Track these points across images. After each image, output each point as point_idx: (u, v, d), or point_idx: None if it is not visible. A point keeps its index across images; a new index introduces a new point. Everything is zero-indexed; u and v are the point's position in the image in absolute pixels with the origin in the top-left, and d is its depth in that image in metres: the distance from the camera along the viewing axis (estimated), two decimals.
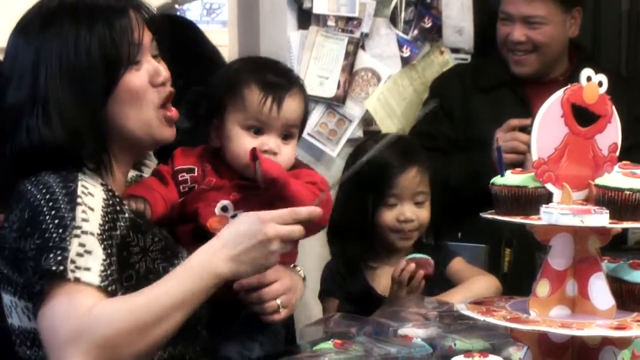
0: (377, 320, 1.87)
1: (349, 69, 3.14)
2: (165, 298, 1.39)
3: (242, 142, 1.81)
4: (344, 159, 2.91)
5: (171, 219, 1.68)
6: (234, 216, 1.75)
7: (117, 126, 1.55)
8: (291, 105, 1.84)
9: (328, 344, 1.74)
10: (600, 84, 1.40)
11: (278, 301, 1.74)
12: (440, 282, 2.35)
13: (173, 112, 1.62)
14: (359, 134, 3.12)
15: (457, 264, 2.45)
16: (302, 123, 1.96)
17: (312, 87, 3.09)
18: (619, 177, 1.35)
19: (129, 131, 1.57)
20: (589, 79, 1.40)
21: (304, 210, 1.51)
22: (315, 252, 2.77)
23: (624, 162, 1.40)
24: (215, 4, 7.06)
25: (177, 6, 7.50)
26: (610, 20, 3.40)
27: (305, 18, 3.16)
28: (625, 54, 3.48)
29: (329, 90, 3.13)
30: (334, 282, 2.51)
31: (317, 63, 3.13)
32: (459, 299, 1.82)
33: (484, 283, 2.35)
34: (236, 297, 1.72)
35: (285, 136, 1.86)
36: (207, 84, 2.07)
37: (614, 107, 1.43)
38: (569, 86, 1.41)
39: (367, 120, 3.15)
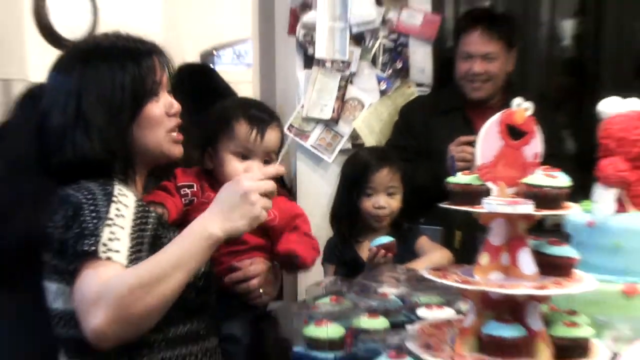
0: (362, 281, 1.87)
1: (341, 99, 3.15)
2: (166, 260, 1.35)
3: (232, 165, 1.79)
4: (338, 164, 3.03)
5: (178, 225, 1.62)
6: None
7: (138, 145, 1.53)
8: (271, 136, 1.82)
9: (326, 299, 1.77)
10: (526, 109, 1.37)
11: (261, 290, 1.74)
12: (409, 254, 2.36)
13: (180, 137, 1.60)
14: (348, 146, 3.15)
15: (422, 241, 2.46)
16: (279, 149, 1.90)
17: (314, 111, 3.15)
18: (540, 178, 1.34)
19: (148, 149, 1.55)
20: (519, 105, 1.38)
21: (272, 169, 1.49)
22: (321, 232, 2.65)
23: (544, 166, 1.37)
24: (243, 50, 7.07)
25: (214, 52, 7.31)
26: (532, 59, 3.37)
27: (309, 61, 3.16)
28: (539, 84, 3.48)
29: (327, 113, 3.14)
30: (332, 253, 2.55)
31: (318, 94, 3.14)
32: (422, 267, 1.81)
33: (440, 255, 2.37)
34: (231, 289, 1.71)
35: (266, 161, 1.82)
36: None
37: (537, 126, 1.39)
38: (504, 110, 1.40)
39: (355, 136, 3.16)
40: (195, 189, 1.78)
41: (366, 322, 1.54)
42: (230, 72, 6.75)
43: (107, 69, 1.51)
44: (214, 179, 1.81)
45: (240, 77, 5.57)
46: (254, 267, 1.73)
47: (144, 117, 1.52)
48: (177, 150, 1.60)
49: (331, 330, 1.48)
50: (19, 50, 4.84)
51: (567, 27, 3.43)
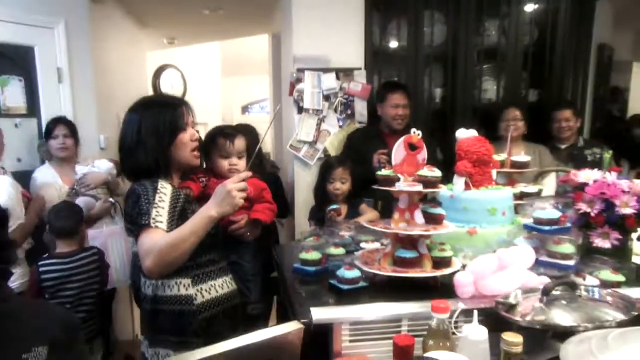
0: (330, 228, 1.88)
1: (318, 130, 3.20)
2: (186, 230, 1.37)
3: (220, 162, 1.78)
4: (317, 166, 3.00)
5: (199, 199, 1.63)
6: None
7: (174, 158, 1.53)
8: (238, 143, 1.79)
9: (310, 239, 1.80)
10: (418, 134, 1.44)
11: (248, 232, 1.73)
12: (356, 214, 2.40)
13: (198, 153, 1.60)
14: (322, 155, 3.15)
15: (362, 207, 2.50)
16: (249, 151, 1.82)
17: (303, 137, 3.21)
18: (425, 171, 1.42)
19: (180, 160, 1.55)
20: (414, 132, 1.44)
21: (243, 175, 1.44)
22: (308, 203, 2.83)
23: (427, 165, 1.44)
24: (264, 104, 7.31)
25: (249, 106, 8.13)
26: (420, 109, 3.46)
27: (300, 110, 3.20)
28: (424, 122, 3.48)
29: (310, 138, 3.20)
30: (313, 214, 2.62)
31: (305, 128, 3.20)
32: (363, 221, 1.78)
33: (373, 215, 2.40)
34: (231, 232, 1.70)
35: (239, 157, 1.79)
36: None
37: (424, 143, 1.46)
38: (406, 135, 1.46)
39: (325, 151, 3.19)
40: (206, 179, 1.74)
41: (333, 250, 1.62)
42: (257, 117, 7.51)
43: (157, 112, 1.52)
44: (213, 172, 1.79)
45: (263, 119, 5.93)
46: (242, 219, 1.71)
47: (178, 141, 1.52)
48: (197, 161, 1.62)
49: (314, 255, 1.55)
50: None
51: (438, 92, 3.48)
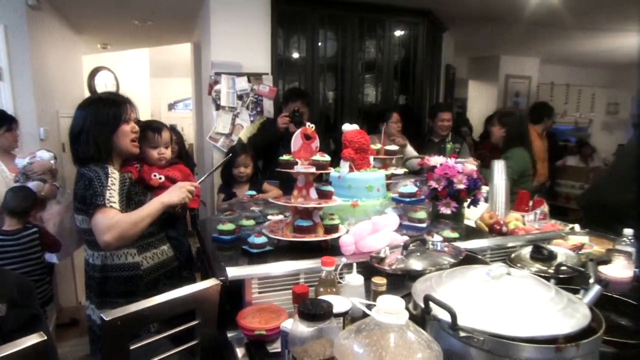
0: (242, 204, 1.88)
1: (233, 124, 3.14)
2: (144, 212, 1.41)
3: (150, 152, 1.72)
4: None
5: (137, 182, 1.61)
6: (160, 178, 1.68)
7: (116, 146, 1.51)
8: (164, 135, 1.73)
9: (227, 212, 1.76)
10: (312, 127, 1.45)
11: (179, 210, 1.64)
12: (260, 192, 2.32)
13: (137, 143, 1.58)
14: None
15: (266, 185, 2.51)
16: (175, 142, 1.83)
17: (221, 130, 3.15)
18: (318, 157, 1.42)
19: (121, 149, 1.52)
20: (309, 125, 1.44)
21: (195, 183, 1.55)
22: (218, 181, 2.72)
23: (320, 152, 1.43)
24: (188, 102, 6.86)
25: (174, 103, 7.57)
26: (315, 110, 3.45)
27: (218, 107, 3.12)
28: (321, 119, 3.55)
29: (226, 130, 3.15)
30: (222, 190, 2.54)
31: (222, 122, 3.13)
32: (269, 197, 1.82)
33: (276, 192, 2.39)
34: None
35: (166, 147, 1.74)
36: None
37: (317, 135, 1.46)
38: (302, 127, 1.46)
39: (239, 141, 3.10)
40: (139, 165, 1.68)
41: (245, 222, 1.59)
42: (182, 113, 7.11)
43: (104, 106, 1.49)
44: (145, 161, 1.72)
45: (187, 115, 5.71)
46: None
47: (120, 131, 1.50)
48: (136, 150, 1.58)
49: (229, 226, 1.51)
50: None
51: (331, 95, 3.52)
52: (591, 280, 0.91)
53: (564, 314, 0.77)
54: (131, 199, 1.48)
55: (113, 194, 1.38)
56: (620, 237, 1.36)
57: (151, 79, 6.19)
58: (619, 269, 1.30)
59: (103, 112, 1.47)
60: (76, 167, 1.51)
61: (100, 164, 1.44)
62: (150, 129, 1.72)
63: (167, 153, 1.75)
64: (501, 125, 2.70)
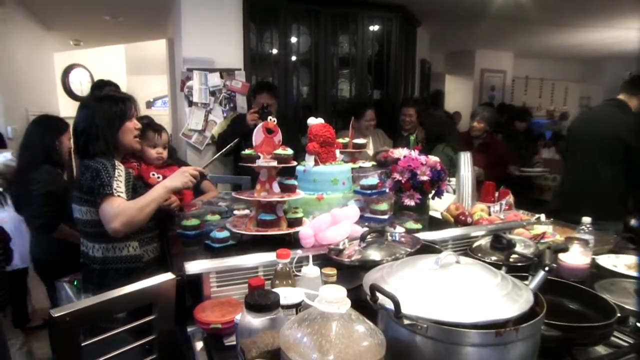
0: (209, 200, 1.86)
1: (206, 120, 3.12)
2: (148, 198, 1.44)
3: (149, 151, 1.79)
4: (205, 152, 3.10)
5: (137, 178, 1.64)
6: (157, 177, 1.75)
7: (120, 141, 1.55)
8: (163, 136, 1.83)
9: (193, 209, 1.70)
10: (274, 121, 1.43)
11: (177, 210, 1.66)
12: (199, 193, 2.12)
13: (139, 140, 1.62)
14: (209, 142, 3.18)
15: (206, 183, 2.21)
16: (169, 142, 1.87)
17: (194, 126, 3.15)
18: (280, 151, 1.40)
19: (125, 144, 1.57)
20: (271, 119, 1.43)
21: (199, 168, 1.58)
22: None
23: (282, 146, 1.42)
24: (164, 100, 6.78)
25: (152, 100, 7.45)
26: (287, 105, 3.44)
27: (191, 104, 3.10)
28: (294, 117, 3.53)
29: (199, 127, 3.13)
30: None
31: (194, 119, 3.11)
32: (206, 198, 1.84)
33: (214, 193, 2.18)
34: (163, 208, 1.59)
35: (164, 147, 1.83)
36: None
37: (279, 129, 1.45)
38: (265, 121, 1.44)
39: (213, 137, 3.13)
40: (138, 164, 1.75)
41: (210, 217, 1.60)
42: (160, 111, 6.92)
43: (108, 105, 1.53)
44: (142, 159, 1.79)
45: (165, 113, 5.67)
46: (174, 202, 1.65)
47: (124, 128, 1.54)
48: (138, 146, 1.63)
49: (193, 222, 1.52)
50: (54, 100, 4.64)
51: (305, 90, 3.51)
52: (547, 268, 0.92)
53: (508, 299, 0.78)
54: (136, 192, 1.50)
55: (120, 184, 1.42)
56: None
57: (128, 76, 6.09)
58: (576, 256, 1.32)
59: (112, 109, 1.52)
60: (78, 160, 1.56)
61: (107, 157, 1.48)
62: (151, 129, 1.79)
63: (165, 154, 1.82)
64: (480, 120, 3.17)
